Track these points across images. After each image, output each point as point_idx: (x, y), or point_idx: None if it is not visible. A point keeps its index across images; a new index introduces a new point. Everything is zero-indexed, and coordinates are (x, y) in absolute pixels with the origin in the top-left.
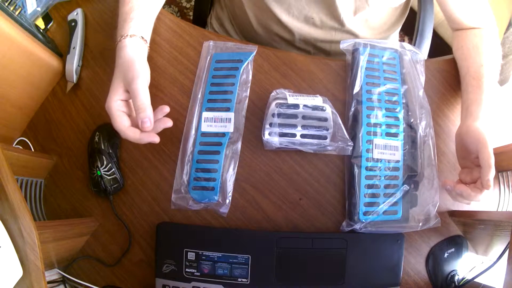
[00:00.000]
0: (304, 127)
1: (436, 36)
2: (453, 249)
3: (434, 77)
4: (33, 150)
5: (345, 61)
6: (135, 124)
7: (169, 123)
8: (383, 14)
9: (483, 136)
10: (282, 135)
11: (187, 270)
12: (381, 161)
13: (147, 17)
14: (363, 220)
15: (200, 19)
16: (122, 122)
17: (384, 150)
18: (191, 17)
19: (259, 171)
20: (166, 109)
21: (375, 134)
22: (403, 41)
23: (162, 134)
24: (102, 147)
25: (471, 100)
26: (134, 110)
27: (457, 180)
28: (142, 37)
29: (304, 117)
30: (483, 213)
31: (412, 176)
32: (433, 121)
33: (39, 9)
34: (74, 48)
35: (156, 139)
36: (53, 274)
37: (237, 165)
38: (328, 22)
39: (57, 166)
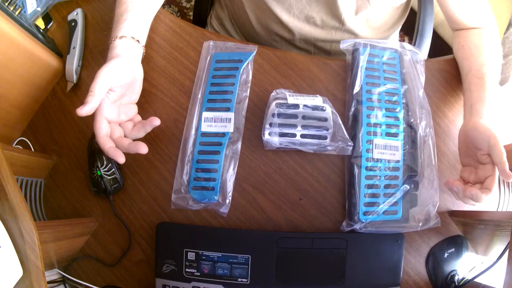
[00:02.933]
0: (304, 127)
1: (436, 36)
2: (453, 249)
3: (434, 77)
4: (33, 150)
5: (345, 61)
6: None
7: (156, 121)
8: (384, 13)
9: (494, 133)
10: (282, 135)
11: (187, 270)
12: (381, 161)
13: (141, 18)
14: (363, 220)
15: (200, 19)
16: (102, 128)
17: (384, 150)
18: (191, 17)
19: (259, 171)
20: (156, 122)
21: (375, 134)
22: (403, 41)
23: (162, 134)
24: None
25: (475, 98)
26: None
27: (458, 178)
28: (133, 38)
29: (304, 117)
30: (483, 213)
31: (412, 176)
32: (433, 121)
33: (39, 9)
34: (74, 48)
35: (121, 159)
36: (53, 274)
37: (237, 165)
38: (329, 21)
39: (57, 166)
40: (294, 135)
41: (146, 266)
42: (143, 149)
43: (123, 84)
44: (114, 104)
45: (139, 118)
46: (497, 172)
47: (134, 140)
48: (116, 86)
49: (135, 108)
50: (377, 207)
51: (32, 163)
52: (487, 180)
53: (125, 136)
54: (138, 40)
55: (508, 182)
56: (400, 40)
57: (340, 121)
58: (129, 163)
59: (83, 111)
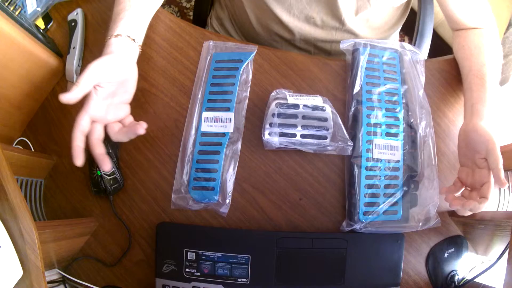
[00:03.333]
0: (304, 127)
1: (436, 36)
2: (453, 249)
3: (434, 77)
4: (33, 150)
5: (345, 61)
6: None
7: (140, 130)
8: (384, 13)
9: (492, 138)
10: (282, 135)
11: (187, 270)
12: (381, 161)
13: (138, 17)
14: (363, 220)
15: (200, 19)
16: (82, 123)
17: (384, 150)
18: (191, 17)
19: (259, 171)
20: (141, 131)
21: (375, 134)
22: (403, 41)
23: (162, 134)
24: None
25: (476, 98)
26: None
27: (455, 180)
28: (129, 36)
29: (304, 117)
30: (483, 213)
31: (412, 176)
32: (433, 121)
33: (39, 9)
34: (74, 48)
35: (77, 161)
36: (53, 274)
37: (237, 165)
38: (329, 21)
39: (57, 166)
40: (294, 135)
41: (146, 266)
42: (105, 167)
43: (113, 81)
44: (103, 101)
45: (130, 119)
46: (492, 179)
47: (119, 142)
48: (104, 82)
49: (126, 109)
50: (377, 207)
51: (32, 163)
52: (484, 187)
53: (109, 136)
54: (134, 39)
55: (509, 182)
56: (400, 40)
57: (340, 121)
58: (129, 163)
59: (64, 98)
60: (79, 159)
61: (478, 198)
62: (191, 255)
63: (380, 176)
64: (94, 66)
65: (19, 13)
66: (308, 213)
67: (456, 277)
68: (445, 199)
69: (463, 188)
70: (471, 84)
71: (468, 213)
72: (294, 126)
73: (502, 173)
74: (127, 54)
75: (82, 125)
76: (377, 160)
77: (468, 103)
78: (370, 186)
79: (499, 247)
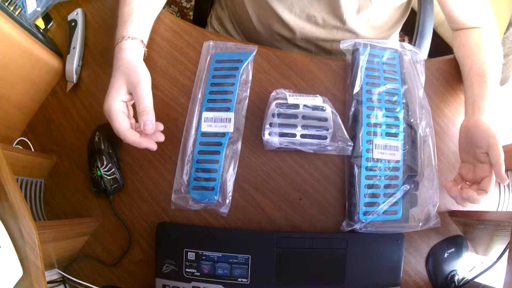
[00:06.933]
0: (304, 127)
1: (436, 36)
2: (453, 249)
3: (434, 77)
4: (33, 150)
5: (345, 61)
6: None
7: (160, 137)
8: (385, 13)
9: (494, 133)
10: (282, 135)
11: (187, 270)
12: (381, 161)
13: (147, 19)
14: (363, 220)
15: (200, 19)
16: (123, 123)
17: (384, 150)
18: (191, 17)
19: (259, 171)
20: (160, 126)
21: (375, 134)
22: (403, 41)
23: (162, 134)
24: (102, 147)
25: (477, 95)
26: (131, 114)
27: (456, 176)
28: (142, 41)
29: (304, 117)
30: (483, 213)
31: (412, 176)
32: (433, 121)
33: (39, 9)
34: (74, 48)
35: (154, 146)
36: (53, 274)
37: (237, 165)
38: (330, 20)
39: (57, 166)
40: (294, 135)
41: (146, 266)
42: (153, 145)
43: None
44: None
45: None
46: (504, 169)
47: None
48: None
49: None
50: (377, 207)
51: (32, 163)
52: (484, 181)
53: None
54: (142, 40)
55: (509, 182)
56: (400, 40)
57: (340, 121)
58: (129, 163)
59: (151, 128)
60: (152, 145)
61: (477, 191)
62: (191, 255)
63: (380, 176)
64: (148, 90)
65: (19, 13)
66: (308, 213)
67: (456, 277)
68: (443, 185)
69: (463, 183)
70: (472, 82)
71: (467, 205)
72: (294, 126)
73: (503, 168)
74: (141, 57)
75: (126, 122)
76: (377, 160)
77: (469, 100)
78: (370, 186)
79: (499, 247)
